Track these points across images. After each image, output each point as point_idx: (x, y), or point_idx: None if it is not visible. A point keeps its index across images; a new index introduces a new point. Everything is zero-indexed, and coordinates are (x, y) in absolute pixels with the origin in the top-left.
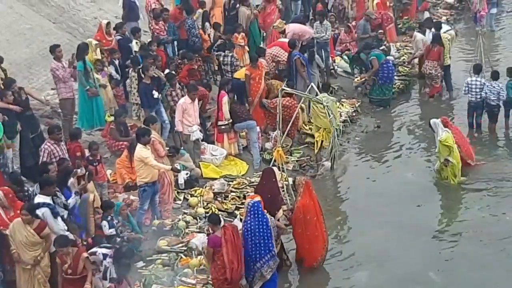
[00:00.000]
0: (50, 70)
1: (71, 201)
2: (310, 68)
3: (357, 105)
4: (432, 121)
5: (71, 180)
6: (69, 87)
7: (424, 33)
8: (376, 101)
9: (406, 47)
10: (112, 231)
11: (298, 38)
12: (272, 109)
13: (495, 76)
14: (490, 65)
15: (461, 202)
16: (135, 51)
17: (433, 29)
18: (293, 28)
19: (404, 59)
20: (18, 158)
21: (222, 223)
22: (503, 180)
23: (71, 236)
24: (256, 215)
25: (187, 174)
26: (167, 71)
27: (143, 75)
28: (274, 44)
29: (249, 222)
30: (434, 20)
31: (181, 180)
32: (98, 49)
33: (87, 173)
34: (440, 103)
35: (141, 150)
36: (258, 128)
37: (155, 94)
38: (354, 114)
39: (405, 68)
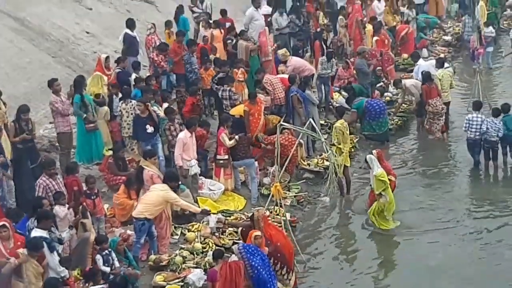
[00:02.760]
0: (49, 104)
1: (66, 235)
2: (308, 105)
3: (355, 140)
4: (368, 156)
5: (66, 212)
6: (67, 121)
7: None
8: (371, 137)
9: None
10: (107, 268)
11: (298, 73)
12: (267, 145)
13: (495, 113)
14: (488, 102)
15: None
16: (132, 85)
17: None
18: (294, 62)
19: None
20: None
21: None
22: None
23: (65, 272)
24: (253, 254)
25: (217, 218)
26: (165, 105)
27: (139, 109)
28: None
29: (254, 262)
30: (432, 57)
31: (211, 224)
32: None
33: (81, 207)
34: (437, 140)
35: (168, 193)
36: (256, 163)
37: (149, 128)
38: (352, 150)
39: (404, 105)
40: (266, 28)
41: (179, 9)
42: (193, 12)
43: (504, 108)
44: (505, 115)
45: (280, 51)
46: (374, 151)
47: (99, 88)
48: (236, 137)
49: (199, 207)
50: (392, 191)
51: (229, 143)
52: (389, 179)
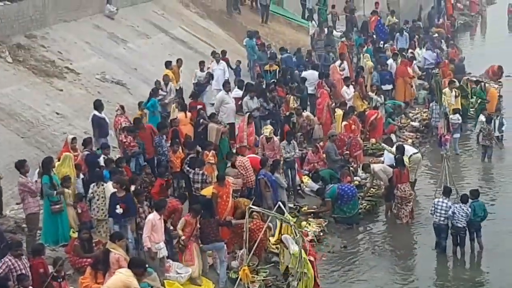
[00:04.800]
0: (19, 185)
1: None
2: (277, 188)
3: (324, 224)
4: (283, 237)
5: None
6: (37, 201)
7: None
8: (341, 220)
9: None
10: None
11: (272, 157)
12: (237, 229)
13: (464, 199)
14: (455, 188)
15: None
16: (101, 166)
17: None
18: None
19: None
20: None
21: None
22: None
23: None
24: None
25: None
26: (133, 187)
27: (114, 187)
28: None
29: None
30: (397, 143)
31: None
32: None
33: None
34: (405, 225)
35: (129, 279)
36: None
37: (118, 209)
38: (321, 234)
39: (372, 189)
40: (247, 115)
41: (153, 91)
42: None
43: (474, 194)
44: (474, 200)
45: (265, 130)
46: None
47: (70, 169)
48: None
49: None
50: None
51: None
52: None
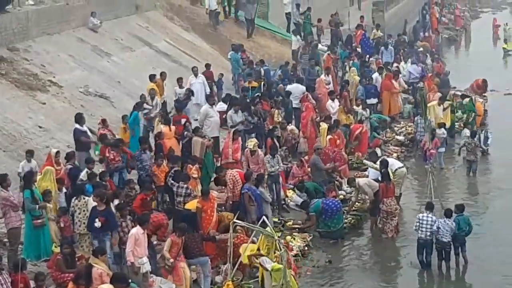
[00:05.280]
0: (1, 199)
1: None
2: (261, 203)
3: (308, 239)
4: (262, 259)
5: None
6: (18, 215)
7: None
8: (326, 234)
9: None
10: None
11: (256, 171)
12: (221, 243)
13: (448, 214)
14: (440, 202)
15: None
16: (82, 180)
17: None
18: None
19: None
20: None
21: None
22: None
23: None
24: None
25: None
26: (116, 201)
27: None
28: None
29: None
30: (381, 157)
31: None
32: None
33: None
34: (390, 239)
35: None
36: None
37: (97, 222)
38: (306, 249)
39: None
40: (232, 130)
41: (137, 105)
42: (143, 108)
43: (459, 208)
44: (459, 215)
45: (250, 143)
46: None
47: (51, 183)
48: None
49: None
50: None
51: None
52: None
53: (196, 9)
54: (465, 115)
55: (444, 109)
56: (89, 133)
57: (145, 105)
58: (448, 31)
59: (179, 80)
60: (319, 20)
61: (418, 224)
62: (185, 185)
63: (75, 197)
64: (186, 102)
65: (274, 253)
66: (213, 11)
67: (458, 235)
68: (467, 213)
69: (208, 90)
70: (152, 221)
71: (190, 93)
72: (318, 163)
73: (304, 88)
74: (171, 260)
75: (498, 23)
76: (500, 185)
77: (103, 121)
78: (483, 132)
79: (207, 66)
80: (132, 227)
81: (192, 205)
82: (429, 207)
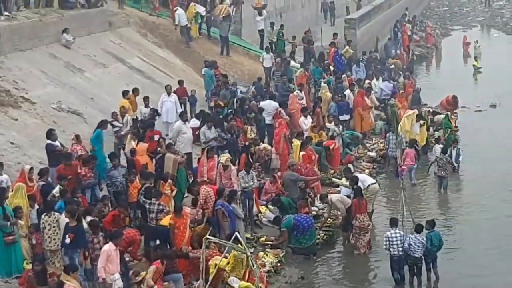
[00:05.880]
0: None
1: None
2: (234, 219)
3: (281, 255)
4: (230, 279)
5: None
6: None
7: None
8: (298, 251)
9: None
10: None
11: (229, 186)
12: (194, 259)
13: (418, 229)
14: (412, 218)
15: None
16: (54, 196)
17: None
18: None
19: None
20: None
21: None
22: None
23: None
24: None
25: None
26: (89, 218)
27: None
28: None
29: None
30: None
31: None
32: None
33: None
34: (362, 255)
35: None
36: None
37: (67, 238)
38: (278, 264)
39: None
40: (206, 149)
41: (101, 123)
42: (113, 126)
43: (430, 224)
44: (430, 230)
45: (223, 158)
46: None
47: (23, 199)
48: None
49: None
50: None
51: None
52: None
53: (169, 25)
54: (436, 132)
55: (420, 126)
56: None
57: (115, 123)
58: (420, 48)
59: (145, 99)
60: (294, 38)
61: (387, 242)
62: (157, 202)
63: (45, 213)
64: (151, 122)
65: (243, 269)
66: (184, 27)
67: (430, 251)
68: (437, 229)
69: (179, 109)
70: (125, 237)
71: (154, 112)
72: (295, 177)
73: (277, 104)
74: (155, 287)
75: (468, 41)
76: (471, 200)
77: (77, 137)
78: (455, 149)
79: (180, 82)
80: (104, 243)
81: (165, 221)
82: (394, 223)
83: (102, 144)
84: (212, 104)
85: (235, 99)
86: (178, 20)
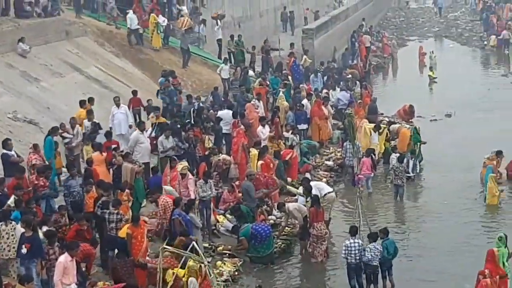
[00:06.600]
0: None
1: None
2: (191, 228)
3: (239, 264)
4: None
5: None
6: None
7: None
8: (256, 260)
9: None
10: None
11: (186, 195)
12: (151, 269)
13: (373, 237)
14: (368, 226)
15: None
16: (9, 206)
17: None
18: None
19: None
20: None
21: None
22: None
23: None
24: None
25: None
26: (45, 228)
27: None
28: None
29: None
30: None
31: None
32: None
33: None
34: (320, 263)
35: None
36: None
37: (23, 249)
38: (236, 273)
39: (287, 228)
40: (170, 159)
41: (52, 129)
42: (63, 137)
43: (384, 232)
44: (385, 239)
45: (180, 166)
46: None
47: None
48: None
49: None
50: None
51: None
52: None
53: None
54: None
55: (379, 134)
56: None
57: (65, 134)
58: (376, 58)
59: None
60: (253, 48)
61: (346, 251)
62: (116, 211)
63: (2, 222)
64: (93, 135)
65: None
66: (134, 30)
67: (385, 259)
68: (395, 237)
69: (131, 121)
70: (81, 249)
71: (96, 126)
72: (250, 191)
73: (235, 113)
74: None
75: (424, 51)
76: (427, 208)
77: (35, 146)
78: (413, 159)
79: (134, 93)
80: (60, 253)
81: (123, 231)
82: (353, 231)
83: (53, 151)
84: (154, 119)
85: (192, 109)
86: (130, 24)
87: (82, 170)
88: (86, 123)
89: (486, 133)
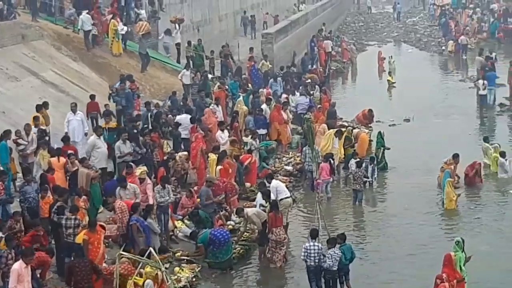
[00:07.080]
0: None
1: None
2: (149, 234)
3: (197, 270)
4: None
5: None
6: None
7: None
8: (214, 265)
9: None
10: None
11: (144, 200)
12: (107, 276)
13: (332, 243)
14: (327, 232)
15: None
16: None
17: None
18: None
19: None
20: None
21: None
22: None
23: None
24: None
25: None
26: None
27: None
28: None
29: None
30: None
31: None
32: None
33: None
34: (279, 269)
35: None
36: None
37: None
38: (194, 280)
39: (246, 233)
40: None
41: (5, 133)
42: (18, 144)
43: (341, 238)
44: (342, 244)
45: (138, 171)
46: None
47: None
48: None
49: None
50: None
51: None
52: None
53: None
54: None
55: (339, 140)
56: None
57: (19, 141)
58: (336, 63)
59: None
60: (212, 52)
61: (305, 253)
62: (73, 216)
63: None
64: (46, 141)
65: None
66: (87, 31)
67: (343, 264)
68: (354, 242)
69: (86, 127)
70: (36, 256)
71: (42, 133)
72: (202, 197)
73: (193, 118)
74: None
75: (383, 56)
76: (387, 212)
77: None
78: (372, 165)
79: (92, 97)
80: (15, 261)
81: (80, 237)
82: (314, 235)
83: (7, 155)
84: (103, 125)
85: (149, 114)
86: (81, 25)
87: (37, 177)
88: (33, 129)
89: (444, 138)
